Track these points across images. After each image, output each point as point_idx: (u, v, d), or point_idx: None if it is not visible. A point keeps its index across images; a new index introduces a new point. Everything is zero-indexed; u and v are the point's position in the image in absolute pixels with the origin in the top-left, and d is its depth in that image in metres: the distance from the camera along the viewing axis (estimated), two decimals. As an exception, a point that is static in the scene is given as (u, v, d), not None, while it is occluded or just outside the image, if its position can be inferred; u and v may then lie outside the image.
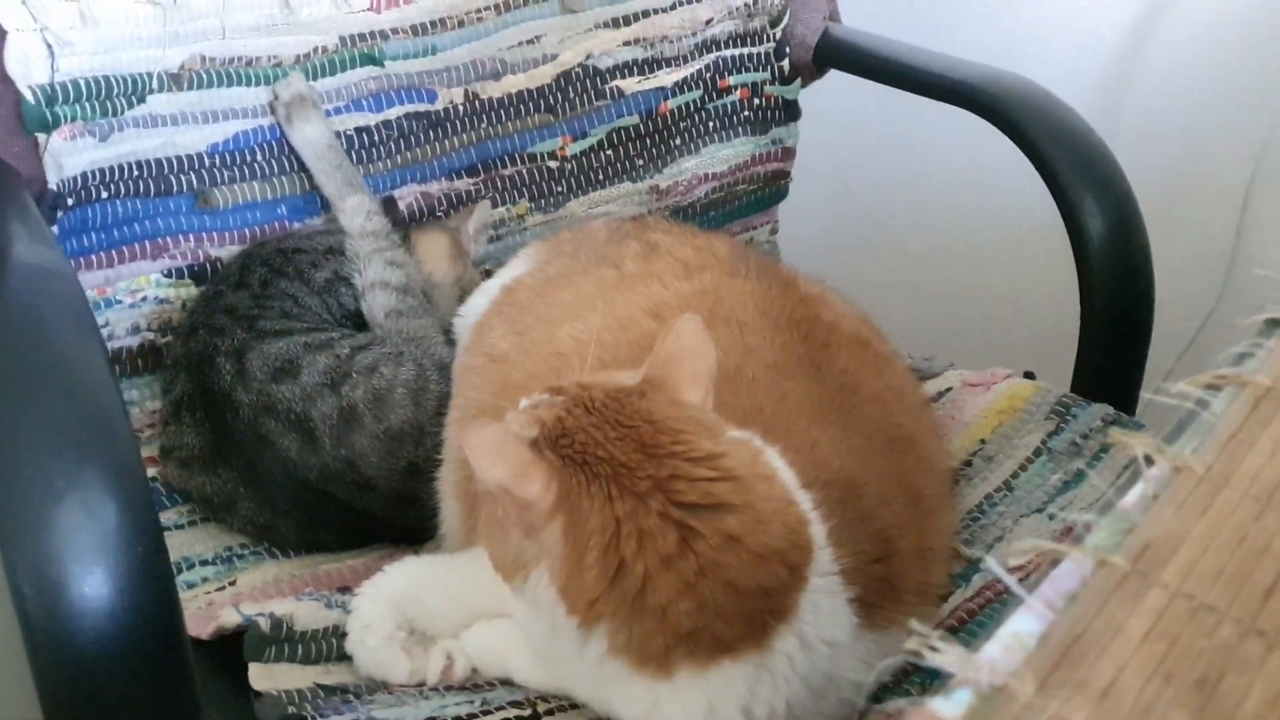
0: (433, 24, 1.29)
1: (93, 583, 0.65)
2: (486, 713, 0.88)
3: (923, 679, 0.93)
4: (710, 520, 0.79)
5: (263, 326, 1.05)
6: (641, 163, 1.40)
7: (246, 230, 1.19)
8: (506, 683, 0.94)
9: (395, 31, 1.27)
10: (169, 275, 1.14)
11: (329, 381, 1.02)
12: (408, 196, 1.29)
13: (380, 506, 1.03)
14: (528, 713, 0.89)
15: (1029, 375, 1.24)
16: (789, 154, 1.47)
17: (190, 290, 1.16)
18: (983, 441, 1.16)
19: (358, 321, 1.14)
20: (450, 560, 0.99)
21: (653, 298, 1.03)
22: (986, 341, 1.59)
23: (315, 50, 1.22)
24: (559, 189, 1.36)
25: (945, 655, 0.43)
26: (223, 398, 1.01)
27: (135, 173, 1.11)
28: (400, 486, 1.02)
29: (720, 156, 1.43)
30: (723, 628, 0.79)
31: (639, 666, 0.80)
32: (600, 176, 1.38)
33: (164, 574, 0.70)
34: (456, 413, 1.05)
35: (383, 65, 1.26)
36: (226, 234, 1.18)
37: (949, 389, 1.24)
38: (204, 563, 1.03)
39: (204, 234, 1.16)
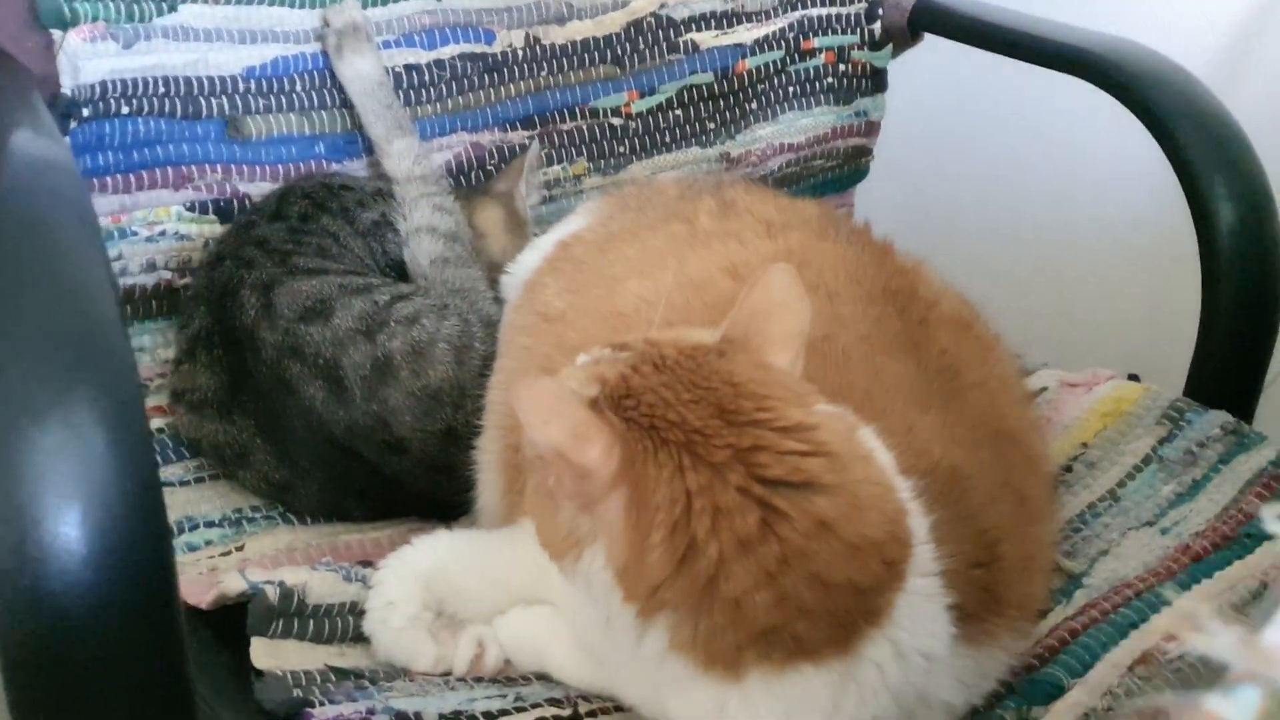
0: (496, -40, 1.19)
1: (70, 519, 0.54)
2: (520, 709, 0.77)
3: (1019, 703, 0.81)
4: (798, 500, 0.67)
5: (296, 263, 0.94)
6: (713, 126, 1.28)
7: (280, 166, 1.08)
8: (543, 677, 0.82)
9: (454, -36, 1.16)
10: (191, 209, 1.04)
11: (364, 328, 0.91)
12: (456, 146, 1.18)
13: (411, 473, 0.92)
14: (567, 713, 0.78)
15: (1133, 378, 1.11)
16: (873, 129, 1.36)
17: (214, 227, 1.05)
18: (1085, 446, 1.03)
19: (400, 273, 1.03)
20: (487, 536, 0.87)
21: (731, 256, 0.91)
22: (1082, 340, 1.46)
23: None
24: (621, 149, 1.25)
25: (1219, 640, 0.31)
26: (244, 334, 0.91)
27: (161, 89, 1.00)
28: (435, 452, 0.91)
29: (799, 126, 1.32)
30: (805, 627, 0.67)
31: (705, 666, 0.69)
32: (667, 138, 1.27)
33: (156, 518, 0.59)
34: (502, 375, 0.94)
35: (439, -1, 1.16)
36: (258, 167, 1.07)
37: (1044, 388, 1.12)
38: (209, 524, 0.92)
39: (232, 165, 1.05)
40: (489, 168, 1.20)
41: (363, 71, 1.08)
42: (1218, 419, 1.02)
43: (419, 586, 0.83)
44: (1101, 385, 1.09)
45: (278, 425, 0.90)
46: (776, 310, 0.74)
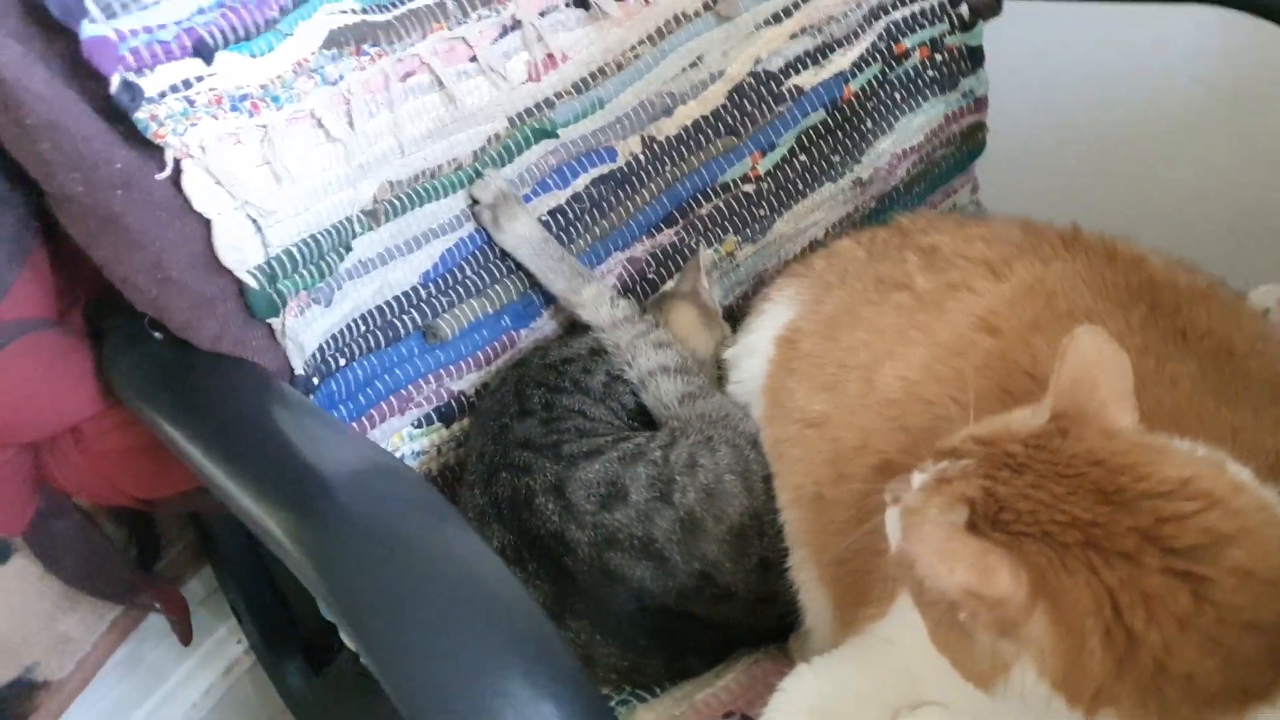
0: (592, 75, 1.18)
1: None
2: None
3: None
4: (1216, 560, 0.67)
5: (569, 451, 0.94)
6: (838, 159, 1.28)
7: (480, 354, 1.08)
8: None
9: (559, 95, 1.16)
10: (419, 425, 1.04)
11: (659, 494, 0.91)
12: (615, 268, 1.18)
13: (741, 613, 0.92)
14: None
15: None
16: (982, 104, 1.35)
17: (440, 434, 1.06)
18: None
19: (641, 419, 1.03)
20: (846, 657, 0.88)
21: (974, 310, 0.91)
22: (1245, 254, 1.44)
23: (490, 140, 1.11)
24: (761, 213, 1.25)
25: None
26: (553, 540, 0.91)
27: (363, 328, 1.00)
28: (758, 586, 0.92)
29: (914, 127, 1.31)
30: (1251, 675, 0.68)
31: (1165, 741, 0.69)
32: (800, 186, 1.26)
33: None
34: (790, 493, 0.94)
35: (556, 136, 1.15)
36: (461, 364, 1.07)
37: (1266, 310, 1.11)
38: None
39: (440, 371, 1.06)
40: (650, 277, 1.20)
41: (524, 234, 1.08)
42: None
43: (812, 731, 0.83)
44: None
45: (613, 616, 0.91)
46: (1099, 373, 0.73)
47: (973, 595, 0.67)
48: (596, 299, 1.06)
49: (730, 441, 0.95)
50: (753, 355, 1.04)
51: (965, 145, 1.37)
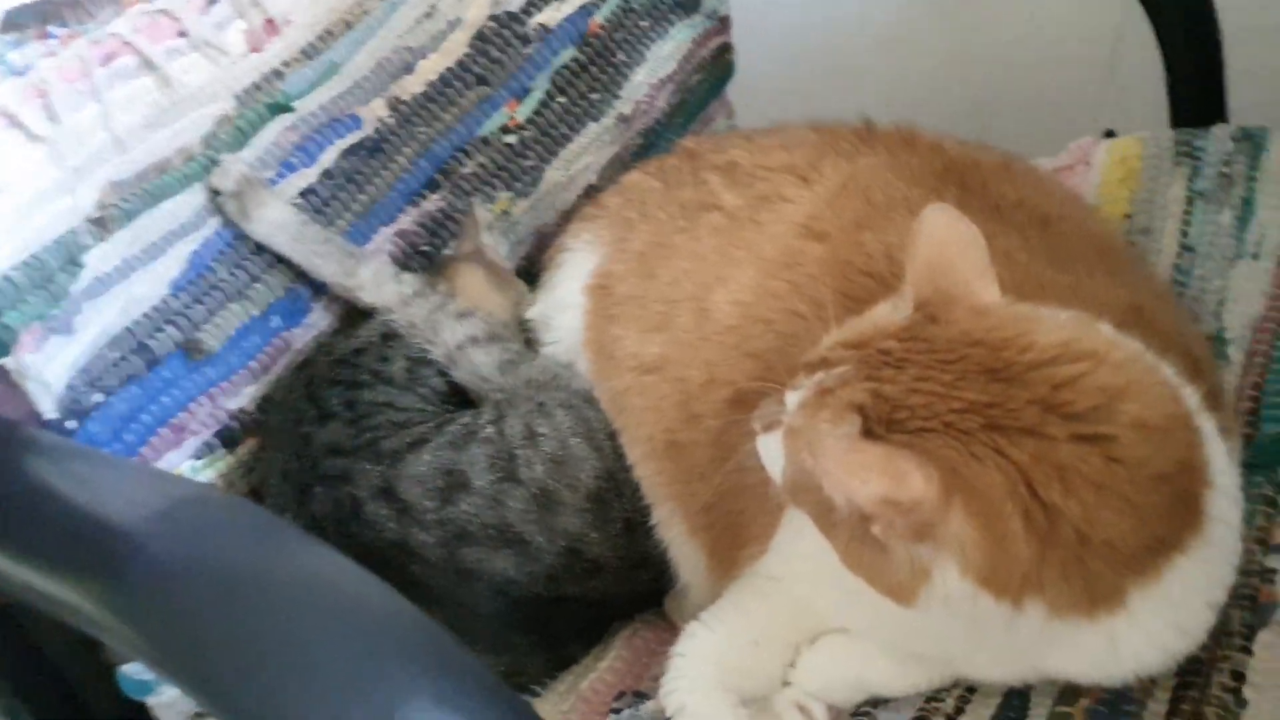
0: (320, 38, 1.06)
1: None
2: (899, 749, 0.73)
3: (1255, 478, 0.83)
4: (1114, 418, 0.65)
5: (389, 448, 0.83)
6: (597, 96, 1.21)
7: (253, 363, 0.95)
8: (873, 706, 0.78)
9: (288, 65, 1.03)
10: (200, 456, 0.91)
11: (503, 473, 0.82)
12: (384, 245, 1.07)
13: (614, 585, 0.85)
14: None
15: (1110, 134, 1.13)
16: (726, 24, 1.31)
17: (227, 461, 0.92)
18: (1128, 217, 1.05)
19: (456, 401, 0.93)
20: (736, 605, 0.81)
21: (793, 219, 0.87)
22: (1019, 123, 1.47)
23: (219, 123, 0.97)
24: (528, 163, 1.16)
25: None
26: (396, 549, 0.80)
27: (115, 354, 0.86)
28: (627, 551, 0.84)
29: (665, 54, 1.26)
30: (1164, 527, 0.66)
31: (1090, 614, 0.67)
32: (563, 130, 1.19)
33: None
34: (642, 445, 0.87)
35: (293, 109, 1.03)
36: (235, 378, 0.94)
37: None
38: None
39: (213, 390, 0.92)
40: (424, 249, 1.09)
41: (277, 220, 0.95)
42: (1224, 133, 1.05)
43: (717, 691, 0.77)
44: (1095, 155, 1.10)
45: (478, 619, 0.81)
46: (953, 251, 0.70)
47: (889, 504, 0.62)
48: (377, 278, 0.95)
49: (565, 404, 0.87)
50: (564, 310, 0.96)
51: (716, 69, 1.33)
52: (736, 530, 0.82)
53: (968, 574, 0.64)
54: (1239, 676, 0.72)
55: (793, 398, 0.70)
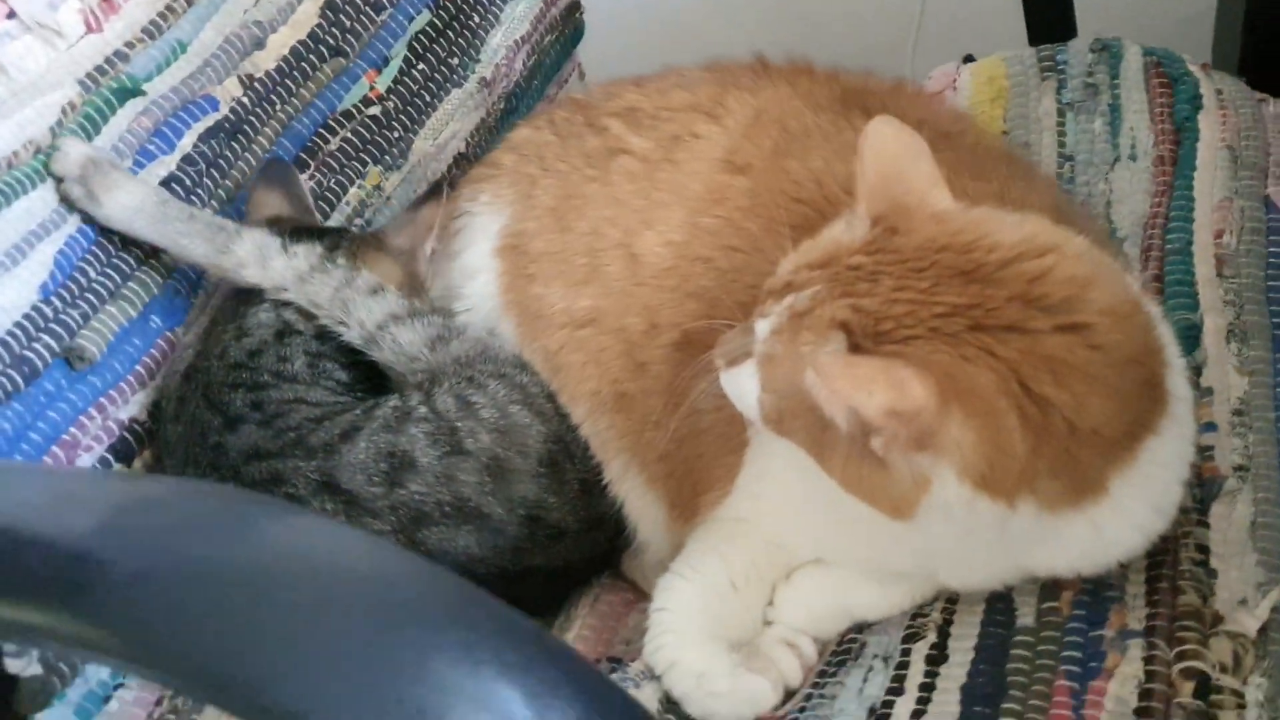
0: (162, 15, 0.98)
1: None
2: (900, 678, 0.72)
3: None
4: (1087, 305, 0.66)
5: (318, 441, 0.77)
6: (456, 60, 1.16)
7: (139, 369, 0.87)
8: (859, 632, 0.77)
9: (131, 45, 0.95)
10: (98, 473, 0.82)
11: (448, 447, 0.77)
12: (256, 231, 0.99)
13: (575, 549, 0.81)
14: (933, 638, 0.74)
15: (969, 59, 1.16)
16: (574, -21, 1.28)
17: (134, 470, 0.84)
18: (1005, 134, 1.07)
19: (363, 389, 0.87)
20: (706, 551, 0.79)
21: (712, 155, 0.85)
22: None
23: (65, 111, 0.89)
24: (395, 135, 1.11)
25: None
26: None
27: (-8, 374, 0.77)
28: (585, 512, 0.81)
29: (519, 14, 1.22)
30: (1139, 409, 0.68)
31: (1076, 505, 0.68)
32: (426, 98, 1.14)
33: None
34: (586, 402, 0.83)
35: (143, 93, 0.95)
36: (123, 386, 0.86)
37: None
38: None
39: (101, 400, 0.84)
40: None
41: (132, 202, 0.87)
42: (1082, 45, 1.09)
43: (705, 642, 0.75)
44: (960, 79, 1.13)
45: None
46: (902, 162, 0.69)
47: (893, 414, 0.61)
48: (260, 253, 0.86)
49: (495, 373, 0.82)
50: (474, 277, 0.91)
51: (567, 28, 1.30)
52: (697, 476, 0.80)
53: (965, 478, 0.64)
54: (1203, 549, 0.75)
55: (763, 324, 0.68)
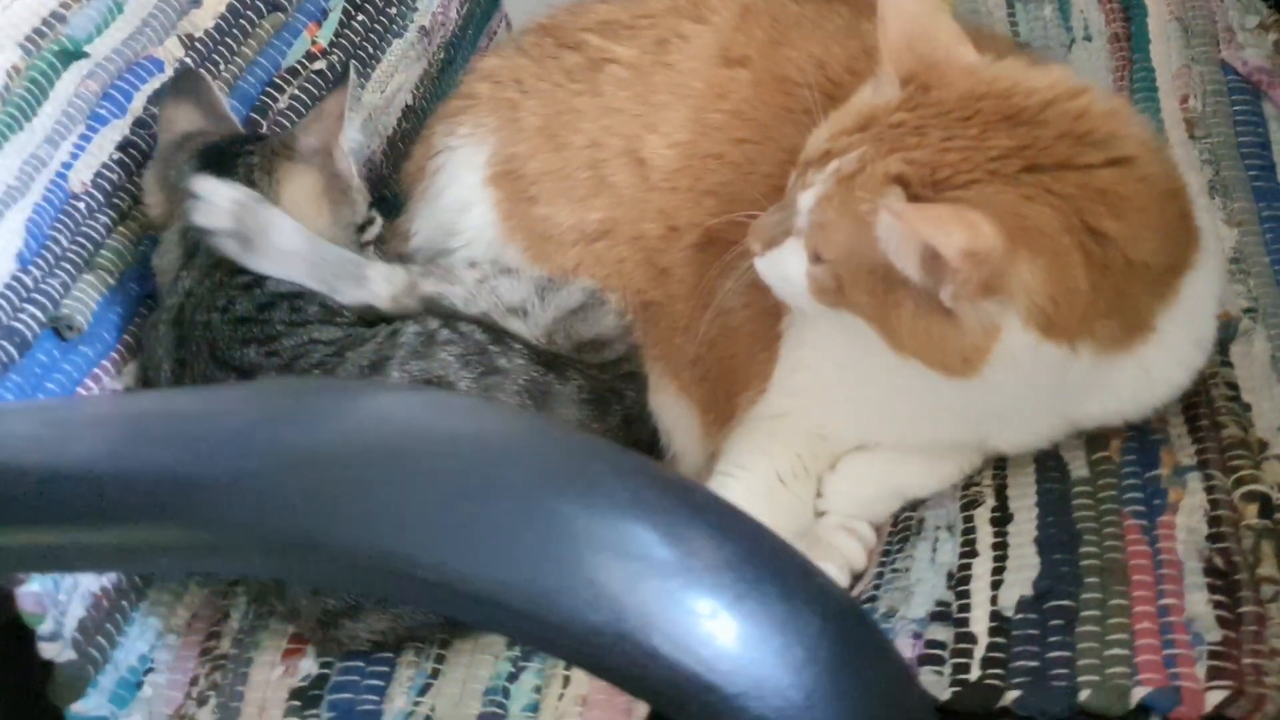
0: (93, -27, 0.92)
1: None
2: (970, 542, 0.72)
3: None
4: (1127, 140, 0.67)
5: (343, 376, 0.74)
6: (394, 10, 1.13)
7: (128, 337, 0.82)
8: (912, 510, 0.77)
9: (66, 6, 0.89)
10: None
11: (481, 368, 0.74)
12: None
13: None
14: (992, 502, 0.74)
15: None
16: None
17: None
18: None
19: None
20: (751, 450, 0.77)
21: (708, 51, 0.83)
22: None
23: (10, 76, 0.83)
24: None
25: None
26: None
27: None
28: (626, 443, 0.79)
29: (449, -39, 1.19)
30: (1176, 247, 0.69)
31: (1126, 344, 0.69)
32: (370, 50, 1.10)
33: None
34: (611, 317, 0.81)
35: (86, 55, 0.89)
36: (115, 355, 0.81)
37: None
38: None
39: (96, 370, 0.79)
40: (258, 196, 0.98)
41: (288, 246, 0.83)
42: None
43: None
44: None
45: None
46: (923, 21, 0.69)
47: (969, 255, 0.60)
48: (389, 279, 0.82)
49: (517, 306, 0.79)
50: (467, 210, 0.87)
51: (497, -30, 1.27)
52: (731, 377, 0.79)
53: (1031, 324, 0.64)
54: (1233, 386, 0.77)
55: (807, 195, 0.67)
